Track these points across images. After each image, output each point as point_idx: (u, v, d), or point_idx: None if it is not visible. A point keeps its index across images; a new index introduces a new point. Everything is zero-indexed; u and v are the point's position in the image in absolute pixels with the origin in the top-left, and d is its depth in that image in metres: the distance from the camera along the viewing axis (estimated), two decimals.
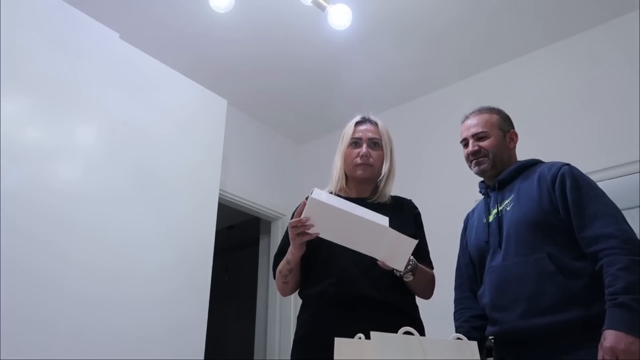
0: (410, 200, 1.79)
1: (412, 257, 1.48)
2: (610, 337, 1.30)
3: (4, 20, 2.01)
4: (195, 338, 2.48)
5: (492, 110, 1.79)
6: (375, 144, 1.71)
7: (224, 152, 2.97)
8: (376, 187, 1.72)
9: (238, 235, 5.04)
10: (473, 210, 1.87)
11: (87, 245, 2.13)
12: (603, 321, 1.35)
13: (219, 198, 2.89)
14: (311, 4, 2.32)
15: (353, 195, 1.70)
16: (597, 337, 1.35)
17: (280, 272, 1.61)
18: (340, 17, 2.38)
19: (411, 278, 1.50)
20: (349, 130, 1.73)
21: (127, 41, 2.52)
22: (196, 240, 2.62)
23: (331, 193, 1.68)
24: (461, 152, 1.81)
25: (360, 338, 1.12)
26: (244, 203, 3.52)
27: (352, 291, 1.51)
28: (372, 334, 1.04)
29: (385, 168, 1.70)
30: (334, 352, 1.11)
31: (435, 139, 3.32)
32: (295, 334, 1.62)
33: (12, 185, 1.93)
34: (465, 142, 1.78)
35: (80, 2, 2.43)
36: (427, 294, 1.65)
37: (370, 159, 1.67)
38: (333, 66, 3.21)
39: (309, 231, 1.39)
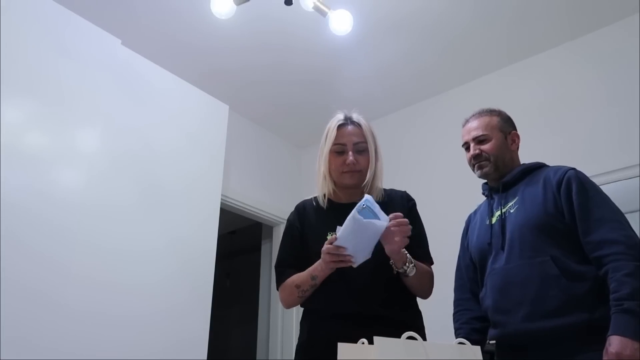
0: (403, 193, 1.72)
1: (405, 251, 1.45)
2: (615, 343, 1.30)
3: (6, 26, 2.02)
4: (197, 343, 2.48)
5: (492, 112, 1.78)
6: (361, 148, 1.62)
7: (226, 158, 2.98)
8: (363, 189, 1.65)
9: (240, 240, 5.04)
10: (475, 212, 1.87)
11: (89, 251, 2.13)
12: (606, 325, 1.35)
13: (221, 203, 2.89)
14: (312, 10, 2.33)
15: (343, 201, 1.65)
16: (600, 341, 1.35)
17: (298, 286, 1.54)
18: (341, 23, 2.39)
19: (414, 271, 1.46)
20: (331, 133, 1.62)
21: (129, 48, 2.53)
22: (198, 245, 2.63)
23: (315, 198, 1.69)
24: (463, 155, 1.82)
25: (363, 343, 1.12)
26: (246, 208, 3.52)
27: (353, 309, 1.49)
28: (375, 338, 1.04)
29: (370, 173, 1.62)
30: (337, 356, 1.11)
31: (437, 142, 3.32)
32: (299, 338, 1.63)
33: (12, 193, 1.92)
34: (466, 146, 1.78)
35: (82, 8, 2.45)
36: (426, 291, 1.60)
37: (358, 166, 1.60)
38: (334, 70, 3.22)
39: (345, 260, 1.39)
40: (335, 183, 1.64)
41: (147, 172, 2.47)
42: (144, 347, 2.23)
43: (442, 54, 3.08)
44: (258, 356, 3.70)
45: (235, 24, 2.73)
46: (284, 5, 2.20)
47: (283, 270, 1.63)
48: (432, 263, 1.64)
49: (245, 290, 4.84)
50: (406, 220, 1.40)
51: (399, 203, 1.66)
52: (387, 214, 1.49)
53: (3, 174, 1.91)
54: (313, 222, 1.65)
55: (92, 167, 2.23)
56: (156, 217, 2.45)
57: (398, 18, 2.79)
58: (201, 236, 2.66)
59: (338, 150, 1.61)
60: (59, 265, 2.01)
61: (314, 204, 1.69)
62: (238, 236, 5.03)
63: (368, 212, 1.35)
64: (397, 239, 1.38)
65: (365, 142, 1.62)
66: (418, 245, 1.60)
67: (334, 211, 1.64)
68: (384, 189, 1.69)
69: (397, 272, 1.48)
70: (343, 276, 1.46)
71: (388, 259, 1.46)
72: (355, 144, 1.61)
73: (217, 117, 2.96)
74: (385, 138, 3.60)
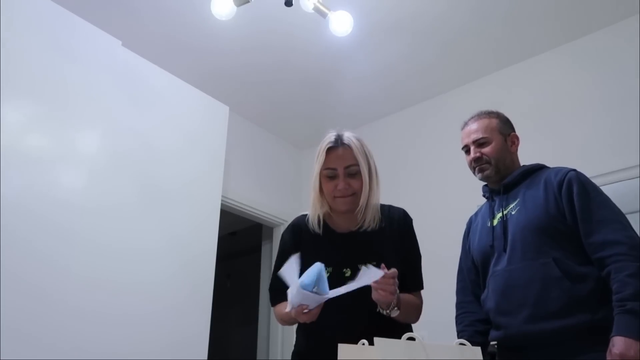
0: (401, 213, 1.66)
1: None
2: (619, 344, 1.30)
3: (6, 27, 2.02)
4: (198, 344, 2.48)
5: (491, 114, 1.78)
6: (353, 171, 1.55)
7: (226, 159, 2.98)
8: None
9: (240, 241, 5.04)
10: (476, 214, 1.86)
11: (89, 252, 2.13)
12: (608, 326, 1.35)
13: (221, 204, 2.89)
14: (312, 11, 2.33)
15: (339, 229, 1.62)
16: (602, 342, 1.35)
17: (284, 320, 1.59)
18: (341, 24, 2.39)
19: (397, 313, 1.42)
20: (320, 157, 1.56)
21: (130, 49, 2.54)
22: (198, 246, 2.63)
23: (307, 222, 1.63)
24: (463, 156, 1.81)
25: (363, 344, 1.12)
26: (246, 209, 3.52)
27: (341, 334, 1.41)
28: (376, 339, 1.04)
29: (363, 197, 1.55)
30: (338, 356, 1.11)
31: (437, 143, 3.32)
32: (295, 345, 1.64)
33: (12, 194, 1.92)
34: (466, 149, 1.77)
35: (82, 9, 2.45)
36: (411, 321, 1.58)
37: (351, 188, 1.55)
38: (334, 71, 3.22)
39: (313, 311, 1.36)
40: (330, 206, 1.61)
41: (147, 173, 2.47)
42: (145, 348, 2.23)
43: (442, 55, 3.08)
44: (258, 356, 3.70)
45: (236, 25, 2.73)
46: (284, 6, 2.20)
47: (274, 295, 1.63)
48: (421, 289, 1.61)
49: (246, 291, 4.83)
50: (391, 280, 1.35)
51: (395, 225, 1.62)
52: (386, 236, 1.54)
53: (4, 174, 1.91)
54: (309, 253, 1.57)
55: (92, 168, 2.23)
56: (156, 218, 2.45)
57: (398, 19, 2.79)
58: (201, 237, 2.66)
59: (329, 175, 1.56)
60: (59, 265, 2.01)
61: (310, 229, 1.64)
62: (238, 237, 5.03)
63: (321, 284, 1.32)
64: (382, 292, 1.35)
65: (357, 164, 1.55)
66: (409, 272, 1.57)
67: (330, 243, 1.60)
68: (383, 206, 1.64)
69: (385, 312, 1.43)
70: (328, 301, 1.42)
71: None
72: (346, 167, 1.55)
73: (217, 118, 2.97)
74: (385, 139, 3.63)
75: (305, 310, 1.34)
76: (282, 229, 3.72)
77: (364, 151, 1.58)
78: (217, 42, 2.95)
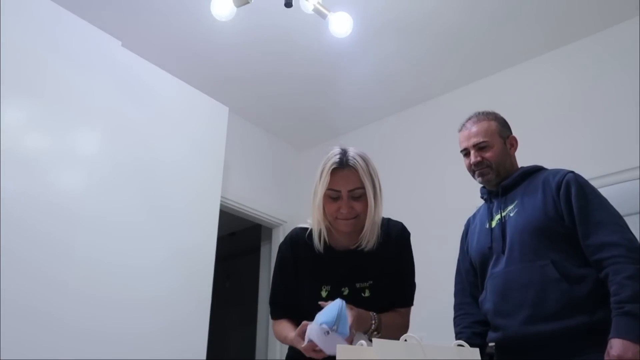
0: (398, 229, 1.63)
1: (371, 318, 1.41)
2: (617, 346, 1.30)
3: (6, 27, 2.02)
4: (196, 345, 2.48)
5: (489, 115, 1.77)
6: (357, 194, 1.50)
7: (226, 159, 2.98)
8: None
9: (239, 242, 5.03)
10: (474, 215, 1.86)
11: (88, 254, 2.14)
12: (606, 328, 1.35)
13: (221, 205, 2.89)
14: (312, 12, 2.33)
15: (339, 247, 1.59)
16: (600, 343, 1.35)
17: (282, 341, 1.56)
18: (341, 25, 2.38)
19: (378, 337, 1.38)
20: (325, 176, 1.49)
21: (129, 49, 2.54)
22: (197, 247, 2.63)
23: (309, 235, 1.60)
24: (462, 157, 1.80)
25: (362, 344, 1.12)
26: (245, 210, 3.52)
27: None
28: (374, 340, 1.04)
29: (368, 220, 1.51)
30: (337, 356, 1.11)
31: (436, 144, 3.32)
32: (289, 349, 1.60)
33: (12, 196, 1.91)
34: (466, 152, 1.76)
35: (82, 9, 2.45)
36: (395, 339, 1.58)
37: (354, 212, 1.51)
38: (334, 72, 3.22)
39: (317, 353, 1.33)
40: (331, 224, 1.57)
41: (146, 174, 2.47)
42: (143, 347, 2.23)
43: (442, 57, 3.08)
44: (257, 357, 3.70)
45: (236, 26, 2.73)
46: (284, 7, 2.20)
47: (275, 310, 1.61)
48: (409, 305, 1.59)
49: (245, 292, 4.83)
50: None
51: (393, 240, 1.60)
52: (383, 253, 1.53)
53: (3, 176, 1.89)
54: (307, 270, 1.58)
55: (91, 170, 2.23)
56: (155, 219, 2.45)
57: (398, 21, 2.79)
58: (200, 238, 2.66)
59: (332, 196, 1.51)
60: (60, 255, 2.01)
61: (309, 243, 1.59)
62: (238, 238, 5.03)
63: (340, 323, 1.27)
64: None
65: (362, 187, 1.49)
66: (399, 287, 1.57)
67: (329, 261, 1.58)
68: (382, 219, 1.60)
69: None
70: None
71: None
72: (350, 190, 1.49)
73: (217, 119, 2.97)
74: (385, 140, 3.63)
75: (317, 348, 1.30)
76: (281, 230, 3.73)
77: (370, 172, 1.51)
78: (217, 43, 2.95)
